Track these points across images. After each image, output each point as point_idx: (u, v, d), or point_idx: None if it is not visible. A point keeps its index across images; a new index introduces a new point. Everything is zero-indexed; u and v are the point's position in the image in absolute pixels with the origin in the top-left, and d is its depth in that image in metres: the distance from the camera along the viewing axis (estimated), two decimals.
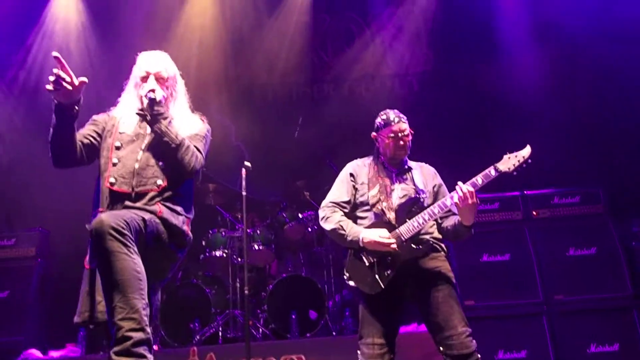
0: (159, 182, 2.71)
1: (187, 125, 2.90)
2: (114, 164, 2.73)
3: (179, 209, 2.75)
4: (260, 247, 5.75)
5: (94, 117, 2.94)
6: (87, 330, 5.13)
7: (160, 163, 2.74)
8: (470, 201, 2.95)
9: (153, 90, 2.78)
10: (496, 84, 6.54)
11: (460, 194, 2.95)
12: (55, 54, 2.57)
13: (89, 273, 2.62)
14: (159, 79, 2.86)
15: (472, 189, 2.96)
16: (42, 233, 5.76)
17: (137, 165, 2.72)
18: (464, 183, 3.01)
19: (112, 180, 2.68)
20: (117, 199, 2.66)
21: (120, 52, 6.06)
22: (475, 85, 6.71)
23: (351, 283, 3.17)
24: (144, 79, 2.86)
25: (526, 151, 3.05)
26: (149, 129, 2.81)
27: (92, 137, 2.84)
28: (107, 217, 2.40)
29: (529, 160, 3.03)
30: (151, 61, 2.91)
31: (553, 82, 6.55)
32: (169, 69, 2.93)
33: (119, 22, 6.92)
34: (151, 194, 2.68)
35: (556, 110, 6.48)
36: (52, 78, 2.54)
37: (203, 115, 3.06)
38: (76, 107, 2.65)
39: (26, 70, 6.94)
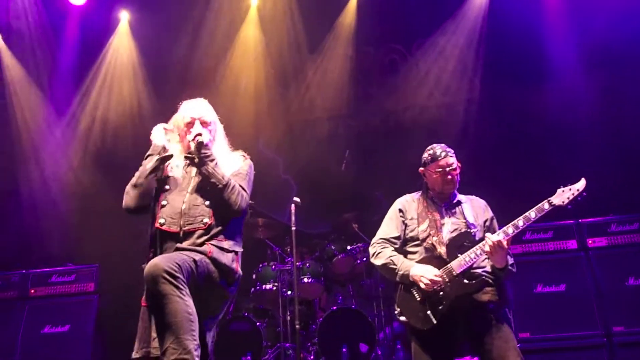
0: (206, 220, 2.82)
1: (229, 164, 3.03)
2: (163, 206, 2.88)
3: (227, 245, 2.85)
4: (310, 280, 5.78)
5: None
6: None
7: (207, 202, 2.87)
8: (499, 249, 2.96)
9: (200, 134, 2.93)
10: (545, 111, 6.42)
11: (490, 243, 2.97)
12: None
13: (144, 310, 2.75)
14: (203, 123, 3.03)
15: (498, 239, 2.96)
16: (100, 269, 5.97)
17: (184, 206, 2.85)
18: (518, 214, 2.98)
19: (161, 221, 2.83)
20: (167, 239, 2.80)
21: (171, 95, 6.37)
22: (524, 112, 6.59)
23: (402, 318, 3.16)
24: (189, 124, 3.03)
25: (581, 184, 3.01)
26: (194, 172, 2.96)
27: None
28: (161, 261, 2.52)
29: (584, 194, 2.98)
30: (195, 107, 3.10)
31: (603, 107, 6.38)
32: (211, 114, 3.12)
33: (168, 68, 7.24)
34: (199, 232, 2.80)
35: (607, 136, 6.30)
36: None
37: (244, 152, 3.18)
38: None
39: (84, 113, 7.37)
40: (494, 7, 7.01)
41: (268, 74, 7.42)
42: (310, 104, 7.50)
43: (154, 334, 2.60)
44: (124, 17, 7.46)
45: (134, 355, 2.69)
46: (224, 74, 7.32)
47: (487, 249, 2.98)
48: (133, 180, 2.91)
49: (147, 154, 2.96)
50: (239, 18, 7.37)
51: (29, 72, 7.22)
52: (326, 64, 7.46)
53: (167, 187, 2.95)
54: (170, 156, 2.97)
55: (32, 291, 5.87)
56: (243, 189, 2.93)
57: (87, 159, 7.22)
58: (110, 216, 5.84)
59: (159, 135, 3.00)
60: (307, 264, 5.88)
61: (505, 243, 2.96)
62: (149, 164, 2.90)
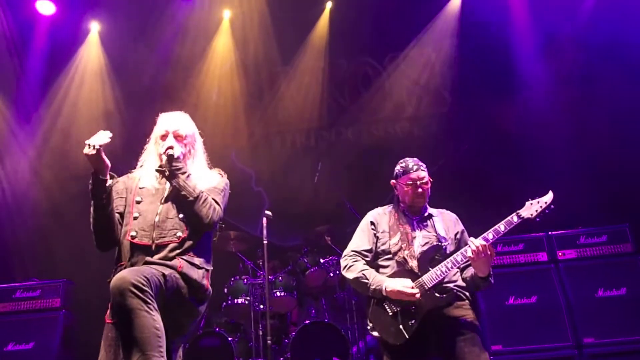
0: (179, 233, 2.75)
1: (206, 179, 2.96)
2: (135, 218, 2.79)
3: (198, 261, 2.77)
4: (282, 294, 5.72)
5: (113, 187, 2.90)
6: None
7: (180, 215, 2.79)
8: (483, 255, 2.94)
9: (171, 147, 2.87)
10: (516, 124, 6.54)
11: (474, 248, 2.95)
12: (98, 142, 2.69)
13: (110, 327, 2.65)
14: (177, 137, 2.95)
15: (484, 243, 2.95)
16: (66, 284, 5.81)
17: (157, 219, 2.77)
18: (487, 229, 3.00)
19: (133, 233, 2.74)
20: (138, 252, 2.71)
21: (142, 107, 6.28)
22: (494, 125, 6.72)
23: (375, 333, 3.14)
24: (164, 137, 2.95)
25: (548, 197, 3.04)
26: (167, 184, 2.88)
27: (124, 206, 2.89)
28: (128, 274, 2.44)
29: (552, 206, 3.02)
30: (170, 120, 3.02)
31: (572, 120, 6.52)
32: (188, 128, 3.02)
33: (140, 78, 7.16)
34: (171, 245, 2.72)
35: (576, 149, 6.43)
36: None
37: (222, 171, 3.11)
38: (109, 176, 2.77)
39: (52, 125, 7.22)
40: (465, 22, 7.13)
41: (241, 86, 7.40)
42: (283, 116, 7.51)
43: (120, 353, 2.52)
44: (94, 27, 7.36)
45: None
46: (196, 85, 7.27)
47: (469, 254, 2.97)
48: (92, 223, 2.78)
49: (89, 187, 2.76)
50: (212, 30, 7.35)
51: None
52: (299, 76, 7.49)
53: (138, 198, 2.86)
54: (111, 178, 2.80)
55: None
56: (217, 202, 2.86)
57: (54, 169, 7.05)
58: (80, 229, 5.70)
59: (91, 155, 2.71)
60: (280, 278, 5.82)
61: (488, 250, 2.94)
62: (93, 210, 2.76)
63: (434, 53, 7.37)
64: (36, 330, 5.54)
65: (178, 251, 2.72)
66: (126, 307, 2.36)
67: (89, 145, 2.66)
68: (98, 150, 2.67)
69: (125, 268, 2.62)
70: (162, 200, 2.85)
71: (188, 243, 2.76)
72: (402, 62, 7.46)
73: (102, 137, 2.70)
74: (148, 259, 2.67)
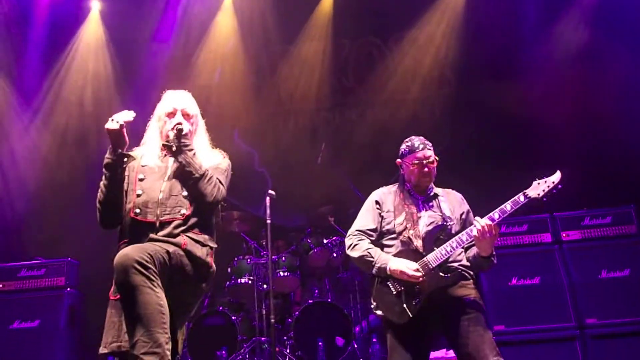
0: (183, 210, 2.75)
1: (209, 159, 2.97)
2: (138, 195, 2.78)
3: (202, 239, 2.77)
4: (286, 274, 5.74)
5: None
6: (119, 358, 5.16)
7: (184, 193, 2.79)
8: (488, 235, 2.93)
9: (180, 123, 2.86)
10: (521, 106, 6.47)
11: (479, 227, 2.93)
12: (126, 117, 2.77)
13: (114, 303, 2.66)
14: (185, 115, 2.96)
15: (490, 222, 2.94)
16: (71, 263, 5.83)
17: (161, 195, 2.77)
18: (493, 205, 2.97)
19: (137, 210, 2.74)
20: (142, 229, 2.70)
21: (144, 87, 6.22)
22: (497, 104, 6.65)
23: (378, 312, 3.14)
24: (171, 114, 2.95)
25: (556, 177, 3.00)
26: (171, 161, 2.88)
27: (126, 184, 2.88)
28: (132, 251, 2.44)
29: (559, 186, 2.98)
30: (178, 98, 3.02)
31: (578, 101, 6.45)
32: (194, 107, 3.04)
33: (141, 56, 7.10)
34: (175, 222, 2.72)
35: (582, 130, 6.38)
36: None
37: (224, 152, 3.12)
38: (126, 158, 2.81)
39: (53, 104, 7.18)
40: (472, 1, 7.02)
41: (243, 65, 7.33)
42: (287, 96, 7.45)
43: (124, 328, 2.53)
44: (95, 5, 7.27)
45: (102, 350, 2.60)
46: (198, 64, 7.20)
47: (475, 233, 2.95)
48: (98, 196, 2.81)
49: (105, 160, 2.81)
50: (214, 8, 7.25)
51: None
52: (303, 56, 7.41)
53: (141, 176, 2.85)
54: (128, 157, 2.84)
55: (1, 285, 5.72)
56: (220, 182, 2.86)
57: (55, 147, 7.03)
58: (84, 208, 5.71)
59: (113, 130, 2.78)
60: (283, 258, 5.84)
61: (493, 229, 2.92)
62: (104, 181, 2.80)
63: (438, 33, 7.28)
64: (41, 308, 5.58)
65: (182, 228, 2.72)
66: (130, 284, 2.37)
67: (112, 119, 2.75)
68: (121, 126, 2.76)
69: (128, 245, 2.61)
70: (166, 178, 2.84)
71: (192, 220, 2.77)
72: (406, 43, 7.37)
73: (127, 115, 2.80)
74: (152, 235, 2.66)
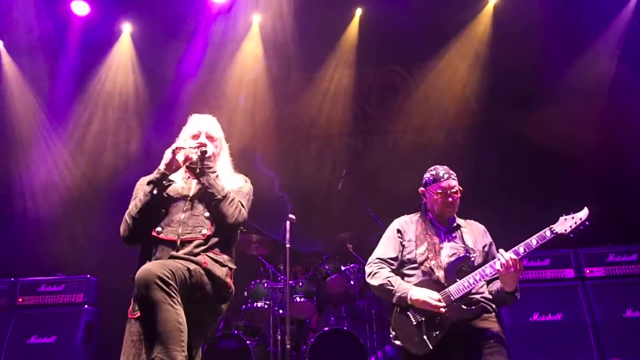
0: (204, 230, 2.77)
1: (232, 182, 3.00)
2: (161, 214, 2.81)
3: (222, 259, 2.78)
4: (302, 300, 5.69)
5: (139, 182, 3.00)
6: None
7: (206, 214, 2.82)
8: (513, 269, 2.89)
9: (205, 145, 2.90)
10: (545, 137, 6.41)
11: (503, 261, 2.90)
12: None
13: (133, 322, 2.66)
14: (209, 137, 3.02)
15: (514, 257, 2.90)
16: (90, 280, 5.88)
17: (183, 216, 2.80)
18: (517, 237, 2.94)
19: (158, 229, 2.76)
20: (163, 247, 2.73)
21: (169, 109, 6.33)
22: (523, 138, 6.60)
23: (397, 342, 3.10)
24: (195, 136, 3.01)
25: (583, 213, 2.95)
26: (194, 183, 2.92)
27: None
28: (153, 267, 2.45)
29: (587, 223, 2.93)
30: (203, 121, 3.09)
31: (603, 134, 6.37)
32: (219, 131, 3.11)
33: (170, 79, 7.25)
34: (196, 242, 2.73)
35: (607, 164, 6.29)
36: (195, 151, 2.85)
37: (246, 177, 3.15)
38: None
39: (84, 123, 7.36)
40: (495, 32, 7.05)
41: (268, 91, 7.42)
42: (309, 122, 7.50)
43: (142, 347, 2.52)
44: (127, 28, 7.48)
45: None
46: (223, 88, 7.31)
47: (498, 267, 2.91)
48: (133, 210, 2.81)
49: (149, 179, 2.87)
50: (241, 34, 7.39)
51: (27, 80, 7.21)
52: (326, 83, 7.48)
53: (165, 195, 2.88)
54: (170, 183, 2.90)
55: (20, 300, 5.81)
56: (242, 205, 2.89)
57: (82, 166, 7.16)
58: (105, 226, 5.79)
59: (166, 158, 2.89)
60: (300, 283, 5.80)
61: (518, 264, 2.89)
62: (147, 197, 2.81)
63: (462, 63, 7.30)
64: (59, 324, 5.64)
65: (203, 248, 2.74)
66: (150, 300, 2.37)
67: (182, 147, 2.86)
68: (175, 151, 2.86)
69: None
70: (189, 198, 2.87)
71: (213, 240, 2.79)
72: (430, 72, 7.40)
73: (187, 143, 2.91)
74: (173, 253, 2.68)
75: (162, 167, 2.86)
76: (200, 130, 3.02)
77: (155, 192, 2.81)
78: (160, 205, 2.84)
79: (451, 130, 7.30)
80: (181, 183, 2.96)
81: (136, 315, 2.60)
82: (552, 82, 6.83)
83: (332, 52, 7.47)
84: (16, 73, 7.23)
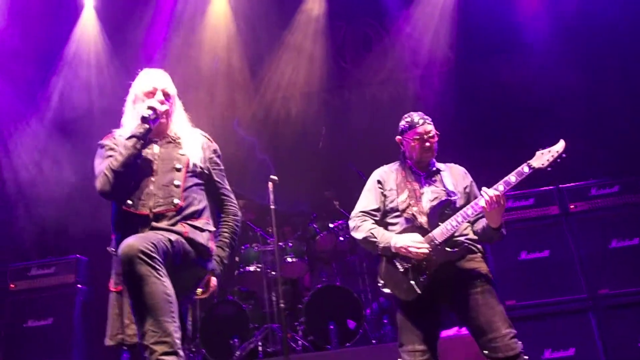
0: (176, 201, 2.70)
1: (193, 142, 2.89)
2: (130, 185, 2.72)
3: (200, 224, 2.74)
4: (293, 260, 5.74)
5: (105, 143, 2.85)
6: (130, 351, 5.20)
7: (176, 182, 2.73)
8: (496, 205, 2.89)
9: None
10: (520, 78, 6.38)
11: (487, 198, 2.89)
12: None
13: (115, 295, 2.66)
14: (166, 95, 2.87)
15: (497, 193, 2.89)
16: (80, 260, 5.86)
17: (152, 187, 2.71)
18: (497, 181, 2.93)
19: (129, 202, 2.69)
20: (136, 222, 2.65)
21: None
22: (498, 80, 6.56)
23: (386, 290, 3.12)
24: (150, 94, 2.85)
25: (560, 146, 2.95)
26: (156, 148, 2.81)
27: None
28: (136, 241, 2.41)
29: (564, 155, 2.92)
30: (157, 77, 2.92)
31: (579, 73, 6.36)
32: (172, 87, 2.95)
33: (136, 46, 7.06)
34: (170, 214, 2.68)
35: (585, 99, 6.29)
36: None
37: (201, 131, 3.05)
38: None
39: (55, 102, 7.16)
40: None
41: (239, 53, 7.27)
42: (284, 81, 7.38)
43: (126, 321, 2.52)
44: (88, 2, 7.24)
45: (107, 342, 2.61)
46: (195, 54, 7.15)
47: (482, 204, 2.91)
48: (114, 163, 2.65)
49: (131, 134, 2.71)
50: None
51: None
52: (299, 40, 7.33)
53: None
54: (152, 141, 2.79)
55: (12, 285, 5.77)
56: (227, 190, 2.95)
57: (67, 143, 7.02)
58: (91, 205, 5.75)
59: (144, 113, 2.74)
60: (290, 244, 5.84)
61: (502, 200, 2.88)
62: (130, 150, 2.66)
63: (436, 11, 7.18)
64: (54, 306, 5.64)
65: (177, 218, 2.68)
66: (136, 275, 2.35)
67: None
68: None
69: (124, 237, 2.53)
70: (155, 168, 2.77)
71: (187, 210, 2.72)
72: (403, 22, 7.28)
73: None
74: (154, 224, 2.64)
75: (143, 123, 2.72)
76: (155, 87, 2.85)
77: (138, 147, 2.68)
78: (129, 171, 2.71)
79: (427, 79, 7.23)
80: (145, 151, 2.78)
81: (118, 289, 2.59)
82: (525, 21, 6.75)
83: (303, 6, 7.31)
84: None
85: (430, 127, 3.20)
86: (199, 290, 2.78)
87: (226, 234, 2.91)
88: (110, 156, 2.74)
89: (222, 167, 3.02)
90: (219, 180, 2.95)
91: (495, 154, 5.77)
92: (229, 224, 2.94)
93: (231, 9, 7.22)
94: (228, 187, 3.03)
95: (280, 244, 5.59)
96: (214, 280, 2.81)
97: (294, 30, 7.36)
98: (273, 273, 5.65)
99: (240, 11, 7.21)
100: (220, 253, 2.85)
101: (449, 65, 7.21)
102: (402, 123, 3.29)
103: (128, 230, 2.62)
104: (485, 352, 2.88)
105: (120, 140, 2.81)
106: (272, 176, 4.46)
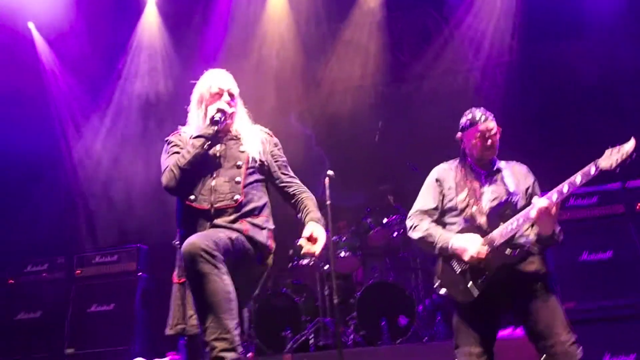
0: (237, 197, 2.76)
1: (254, 139, 2.96)
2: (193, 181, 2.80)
3: (260, 222, 2.80)
4: (347, 254, 5.74)
5: (171, 140, 2.97)
6: (187, 339, 5.37)
7: (237, 178, 2.80)
8: (546, 216, 2.75)
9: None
10: (588, 73, 6.08)
11: (536, 209, 2.75)
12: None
13: (178, 287, 2.75)
14: (231, 95, 2.95)
15: (545, 205, 2.73)
16: (141, 249, 6.11)
17: (214, 183, 2.78)
18: (563, 180, 2.78)
19: (192, 197, 2.76)
20: (197, 216, 2.73)
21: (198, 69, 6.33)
22: (566, 70, 6.25)
23: (443, 291, 3.07)
24: (218, 95, 2.93)
25: (630, 145, 2.67)
26: (218, 146, 2.88)
27: None
28: (198, 239, 2.49)
29: (634, 155, 2.71)
30: (222, 78, 2.99)
31: None
32: (236, 88, 3.02)
33: (199, 44, 7.20)
34: (230, 209, 2.74)
35: None
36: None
37: (263, 127, 3.12)
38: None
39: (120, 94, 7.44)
40: None
41: (297, 46, 7.29)
42: (341, 74, 7.35)
43: (190, 312, 2.62)
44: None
45: (168, 331, 2.73)
46: (252, 47, 7.23)
47: (533, 215, 2.79)
48: (181, 160, 2.75)
49: (199, 133, 2.81)
50: None
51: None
52: (355, 32, 7.27)
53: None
54: (218, 141, 2.87)
55: (78, 272, 6.08)
56: (294, 177, 3.00)
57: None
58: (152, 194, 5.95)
59: (214, 116, 2.84)
60: (344, 238, 5.85)
61: (553, 210, 2.74)
62: (197, 150, 2.76)
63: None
64: (116, 292, 5.94)
65: (237, 214, 2.74)
66: (198, 272, 2.43)
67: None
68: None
69: (189, 233, 2.65)
70: (218, 164, 2.84)
71: (247, 206, 2.78)
72: (463, 11, 7.07)
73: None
74: (217, 221, 2.70)
75: (212, 125, 2.82)
76: (222, 88, 2.93)
77: (206, 147, 2.78)
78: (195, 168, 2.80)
79: (489, 70, 7.00)
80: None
81: (181, 281, 2.68)
82: (593, 9, 6.42)
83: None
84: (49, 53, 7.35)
85: (492, 124, 3.09)
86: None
87: (310, 204, 2.96)
88: (175, 152, 2.85)
89: (285, 159, 3.06)
90: (282, 169, 3.01)
91: (562, 150, 5.54)
92: (308, 196, 3.00)
93: (289, 4, 7.24)
94: (293, 174, 3.07)
95: (334, 238, 5.60)
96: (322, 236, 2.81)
97: (350, 24, 7.29)
98: (326, 267, 5.68)
99: (297, 6, 7.22)
100: (316, 215, 2.90)
101: (512, 56, 6.94)
102: (463, 120, 3.18)
103: (191, 226, 2.71)
104: (544, 356, 2.80)
105: (185, 137, 2.92)
106: (329, 171, 4.46)
